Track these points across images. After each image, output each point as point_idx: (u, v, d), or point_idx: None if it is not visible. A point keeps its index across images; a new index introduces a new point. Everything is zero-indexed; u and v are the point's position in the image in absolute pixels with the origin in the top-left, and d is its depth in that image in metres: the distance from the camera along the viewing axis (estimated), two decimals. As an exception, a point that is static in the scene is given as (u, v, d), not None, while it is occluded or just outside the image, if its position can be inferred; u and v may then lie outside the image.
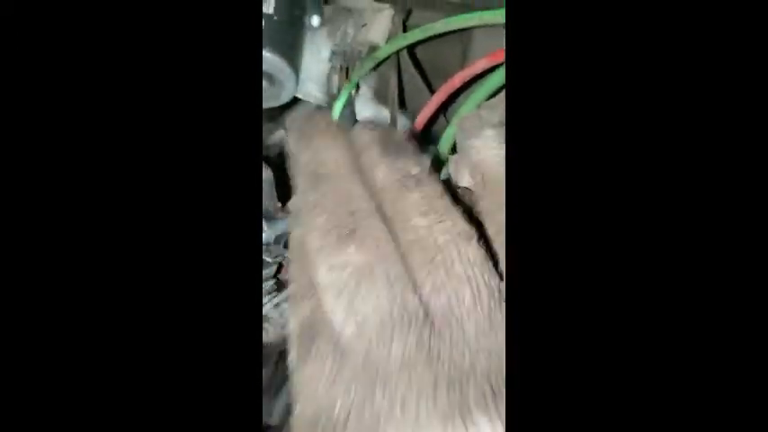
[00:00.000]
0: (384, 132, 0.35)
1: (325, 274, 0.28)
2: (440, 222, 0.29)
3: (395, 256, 0.28)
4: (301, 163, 0.34)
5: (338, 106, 0.68)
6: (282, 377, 0.96)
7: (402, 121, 0.74)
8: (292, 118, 0.36)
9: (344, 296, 0.27)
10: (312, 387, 0.27)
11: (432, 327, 0.26)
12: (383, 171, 0.32)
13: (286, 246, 0.82)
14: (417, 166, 0.33)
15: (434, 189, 0.32)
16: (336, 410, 0.25)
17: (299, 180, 0.34)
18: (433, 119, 0.62)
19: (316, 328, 0.29)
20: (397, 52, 0.66)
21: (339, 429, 0.24)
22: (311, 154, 0.34)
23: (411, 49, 0.74)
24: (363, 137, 0.34)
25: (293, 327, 0.30)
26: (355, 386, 0.25)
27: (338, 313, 0.27)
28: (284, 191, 0.92)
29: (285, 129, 0.38)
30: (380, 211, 0.31)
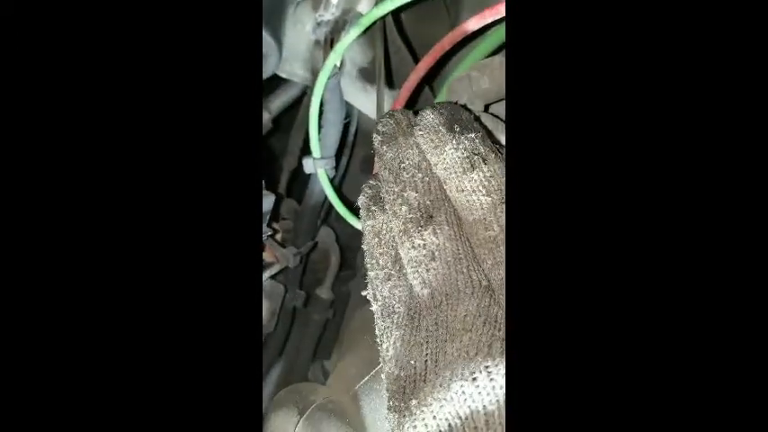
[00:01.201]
0: (451, 111, 0.39)
1: (407, 251, 0.34)
2: (502, 202, 0.33)
3: (463, 237, 0.33)
4: (386, 159, 0.39)
5: (322, 78, 0.65)
6: (270, 360, 0.94)
7: (388, 96, 0.72)
8: (380, 120, 0.42)
9: (422, 269, 0.33)
10: (396, 347, 0.32)
11: (491, 295, 0.30)
12: (451, 149, 0.36)
13: (269, 224, 0.80)
14: (483, 143, 0.36)
15: (499, 166, 0.35)
16: (414, 362, 0.30)
17: (385, 173, 0.38)
18: (419, 89, 0.60)
19: (392, 305, 0.34)
20: (383, 20, 0.63)
21: (418, 378, 0.29)
22: (395, 151, 0.38)
23: (398, 20, 0.72)
24: (431, 117, 0.38)
25: (376, 307, 0.35)
26: (429, 342, 0.30)
27: (416, 282, 0.33)
28: (268, 170, 0.90)
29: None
30: (449, 189, 0.35)
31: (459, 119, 0.38)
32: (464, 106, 0.45)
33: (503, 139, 0.45)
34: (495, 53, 0.52)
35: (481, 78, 0.47)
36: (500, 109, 0.50)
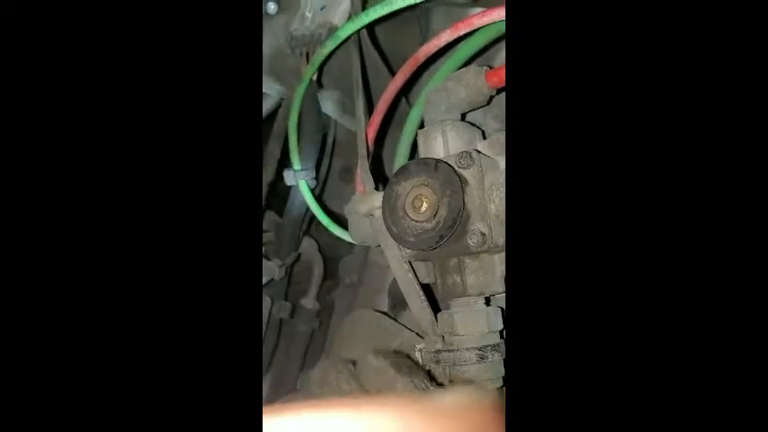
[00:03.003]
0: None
1: None
2: None
3: None
4: None
5: (300, 91, 0.66)
6: (267, 358, 0.94)
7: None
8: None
9: None
10: None
11: None
12: None
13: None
14: None
15: None
16: None
17: None
18: (396, 100, 0.61)
19: None
20: (358, 33, 0.65)
21: None
22: None
23: (371, 33, 0.73)
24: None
25: None
26: None
27: None
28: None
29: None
30: None
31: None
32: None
33: (479, 146, 0.47)
34: (467, 63, 0.54)
35: (457, 88, 0.49)
36: (476, 117, 0.52)
